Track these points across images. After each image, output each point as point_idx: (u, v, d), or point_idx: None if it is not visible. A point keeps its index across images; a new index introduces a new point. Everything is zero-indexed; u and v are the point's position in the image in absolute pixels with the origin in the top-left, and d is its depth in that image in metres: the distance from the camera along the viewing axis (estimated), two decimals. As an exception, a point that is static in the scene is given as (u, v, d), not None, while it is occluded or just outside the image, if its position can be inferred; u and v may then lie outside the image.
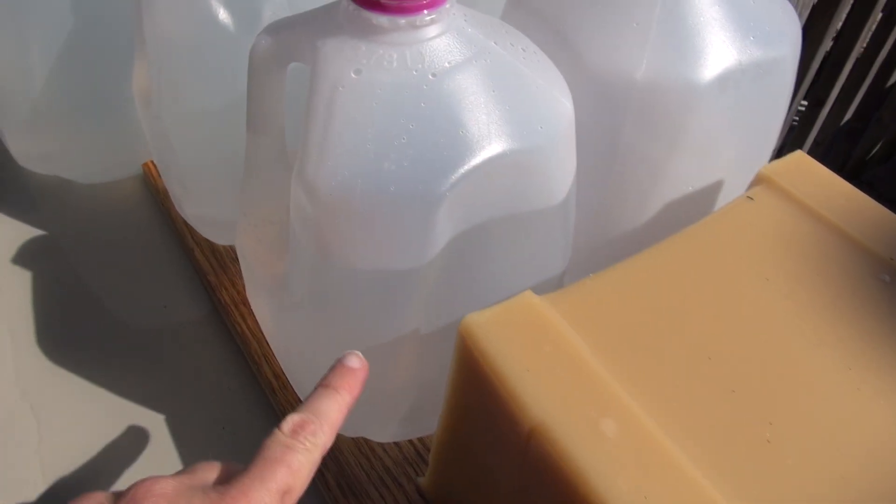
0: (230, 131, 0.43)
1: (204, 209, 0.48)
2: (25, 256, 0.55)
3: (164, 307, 0.53)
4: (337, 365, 0.30)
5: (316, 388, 0.29)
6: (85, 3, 0.50)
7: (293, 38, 0.32)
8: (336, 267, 0.31)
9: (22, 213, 0.58)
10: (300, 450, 0.27)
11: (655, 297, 0.31)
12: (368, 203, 0.28)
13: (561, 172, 0.33)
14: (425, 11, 0.29)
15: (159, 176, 0.59)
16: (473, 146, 0.29)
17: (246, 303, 0.50)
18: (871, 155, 1.68)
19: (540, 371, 0.28)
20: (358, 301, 0.32)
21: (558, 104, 0.32)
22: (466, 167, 0.29)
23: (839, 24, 1.34)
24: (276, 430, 0.28)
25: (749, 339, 0.30)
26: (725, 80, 0.36)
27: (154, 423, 0.46)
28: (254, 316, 0.50)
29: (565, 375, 0.28)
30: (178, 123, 0.44)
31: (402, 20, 0.29)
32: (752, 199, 0.35)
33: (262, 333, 0.49)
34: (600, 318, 0.30)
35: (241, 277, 0.52)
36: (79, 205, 0.59)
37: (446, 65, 0.30)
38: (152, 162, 0.61)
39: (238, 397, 0.48)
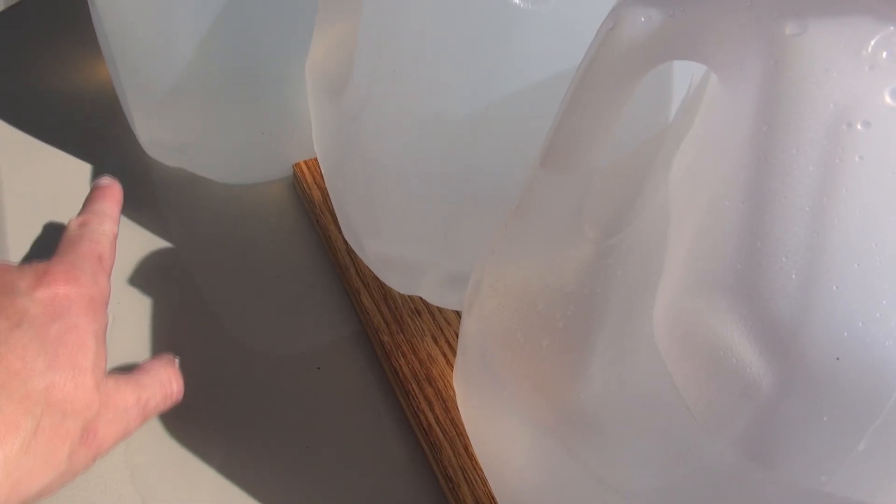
0: (467, 147, 0.29)
1: (396, 248, 0.35)
2: (142, 271, 0.43)
3: (316, 368, 0.39)
4: (95, 186, 0.36)
5: (87, 199, 0.35)
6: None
7: (701, 17, 0.18)
8: (772, 477, 0.16)
9: (143, 215, 0.45)
10: (92, 230, 0.33)
11: None
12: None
13: None
14: None
15: (315, 183, 0.46)
16: None
17: (431, 380, 0.37)
18: None
19: None
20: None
21: None
22: None
23: None
24: (66, 228, 0.33)
25: None
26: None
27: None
28: (441, 403, 0.36)
29: None
30: (390, 131, 0.30)
31: None
32: None
33: (456, 431, 0.35)
34: None
35: (422, 338, 0.38)
36: (211, 210, 0.46)
37: None
38: (306, 163, 0.48)
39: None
